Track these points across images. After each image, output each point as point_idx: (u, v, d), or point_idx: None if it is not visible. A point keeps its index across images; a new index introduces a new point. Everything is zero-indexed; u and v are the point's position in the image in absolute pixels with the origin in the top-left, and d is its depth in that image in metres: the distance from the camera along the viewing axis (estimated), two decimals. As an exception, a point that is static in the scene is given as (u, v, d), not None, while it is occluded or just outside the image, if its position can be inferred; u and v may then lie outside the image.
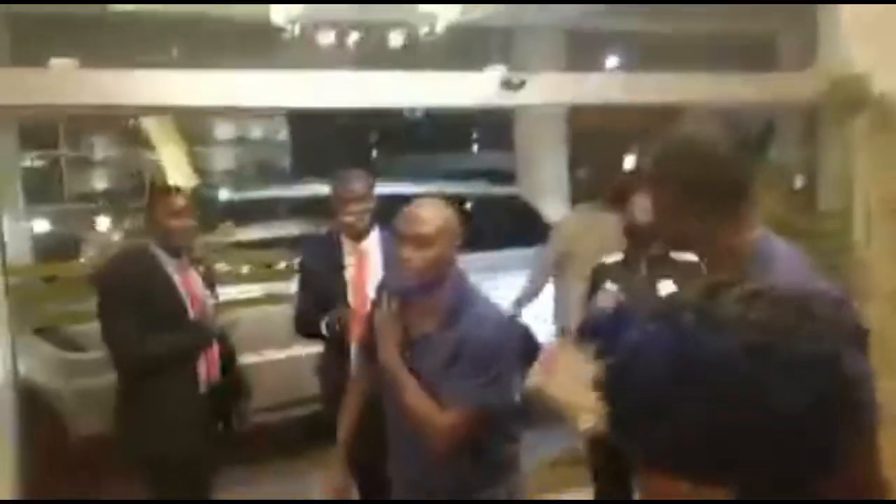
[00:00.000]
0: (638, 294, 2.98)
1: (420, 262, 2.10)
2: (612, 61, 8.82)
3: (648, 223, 2.78)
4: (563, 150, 7.35)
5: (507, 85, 3.71)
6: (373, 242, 3.32)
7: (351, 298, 3.29)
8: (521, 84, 3.68)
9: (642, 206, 2.86)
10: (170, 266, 3.12)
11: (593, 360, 2.86)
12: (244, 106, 3.53)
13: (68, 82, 3.06)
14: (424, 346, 2.14)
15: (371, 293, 2.79)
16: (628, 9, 6.66)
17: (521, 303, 4.44)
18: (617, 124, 6.63)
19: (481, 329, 2.10)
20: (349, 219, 3.29)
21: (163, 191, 3.29)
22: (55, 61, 3.08)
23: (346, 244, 3.36)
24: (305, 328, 3.41)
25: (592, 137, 7.81)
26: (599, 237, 3.65)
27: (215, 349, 3.24)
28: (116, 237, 8.12)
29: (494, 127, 9.88)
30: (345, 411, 2.38)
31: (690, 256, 2.77)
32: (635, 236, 3.06)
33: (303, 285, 3.50)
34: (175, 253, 3.14)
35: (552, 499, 3.86)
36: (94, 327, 4.10)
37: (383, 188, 3.98)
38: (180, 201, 3.12)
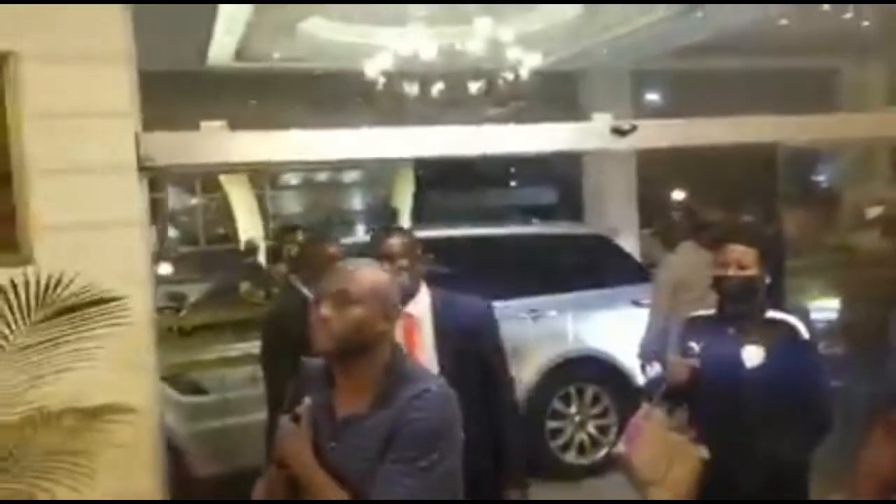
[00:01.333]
0: (718, 360, 2.72)
1: (338, 323, 1.82)
2: (674, 100, 9.02)
3: (745, 277, 2.66)
4: (633, 189, 7.50)
5: (618, 132, 3.84)
6: (422, 306, 2.85)
7: None
8: (633, 129, 3.81)
9: (740, 258, 2.70)
10: None
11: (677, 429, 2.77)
12: (370, 158, 3.67)
13: (220, 143, 3.25)
14: (353, 430, 1.83)
15: (424, 362, 2.53)
16: (691, 49, 6.85)
17: (645, 353, 4.26)
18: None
19: (422, 404, 1.80)
20: None
21: (317, 241, 3.45)
22: (205, 124, 3.28)
23: None
24: None
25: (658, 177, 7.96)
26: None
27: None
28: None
29: (534, 164, 9.82)
30: None
31: (789, 317, 2.69)
32: (724, 291, 2.76)
33: None
34: None
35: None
36: (216, 373, 4.20)
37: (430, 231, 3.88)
38: (333, 249, 3.30)
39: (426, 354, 2.70)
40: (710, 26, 6.24)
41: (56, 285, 2.32)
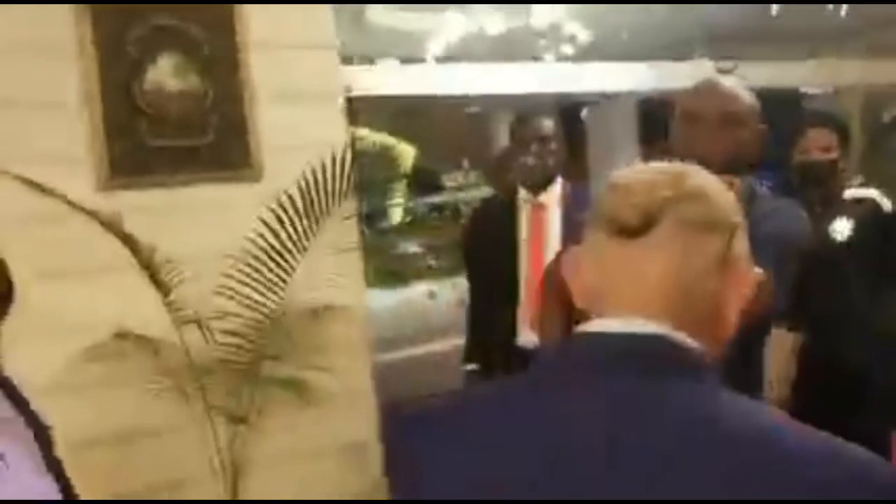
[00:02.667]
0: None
1: (731, 144, 1.79)
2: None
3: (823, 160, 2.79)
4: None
5: (722, 70, 4.16)
6: (553, 196, 2.83)
7: (523, 266, 2.80)
8: (735, 67, 4.14)
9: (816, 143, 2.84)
10: None
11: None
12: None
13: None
14: None
15: (548, 257, 2.62)
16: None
17: None
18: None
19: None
20: (531, 160, 2.78)
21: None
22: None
23: (521, 199, 2.87)
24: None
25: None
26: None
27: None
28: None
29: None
30: None
31: (871, 192, 2.83)
32: (807, 173, 2.87)
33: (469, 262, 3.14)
34: None
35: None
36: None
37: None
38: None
39: (552, 243, 2.77)
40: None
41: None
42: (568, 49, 6.23)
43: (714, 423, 0.75)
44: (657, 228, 0.82)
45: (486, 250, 2.93)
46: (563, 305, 1.71)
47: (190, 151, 2.62)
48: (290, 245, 2.58)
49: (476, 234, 3.12)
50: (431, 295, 4.96)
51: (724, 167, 1.67)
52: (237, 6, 2.68)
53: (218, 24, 2.64)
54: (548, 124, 2.83)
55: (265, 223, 2.58)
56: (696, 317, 0.82)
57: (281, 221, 2.58)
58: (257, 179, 2.71)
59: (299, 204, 2.59)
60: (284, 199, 2.59)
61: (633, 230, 0.82)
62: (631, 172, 0.87)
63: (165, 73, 2.58)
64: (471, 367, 2.97)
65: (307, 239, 2.60)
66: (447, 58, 5.61)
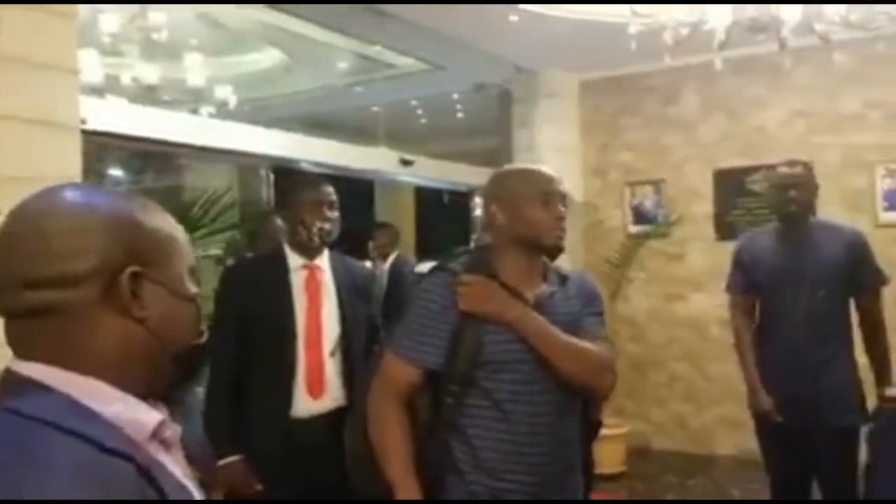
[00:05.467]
0: None
1: (565, 223, 2.04)
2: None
3: None
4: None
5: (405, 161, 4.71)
6: (325, 260, 2.87)
7: (300, 330, 2.73)
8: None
9: None
10: None
11: None
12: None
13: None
14: (550, 303, 2.01)
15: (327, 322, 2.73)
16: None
17: None
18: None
19: (587, 280, 2.21)
20: (327, 225, 2.78)
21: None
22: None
23: (293, 260, 2.83)
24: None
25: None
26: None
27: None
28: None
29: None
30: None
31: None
32: None
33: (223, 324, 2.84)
34: None
35: None
36: None
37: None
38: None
39: (328, 306, 2.79)
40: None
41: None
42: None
43: None
44: None
45: (256, 312, 2.72)
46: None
47: None
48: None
49: (240, 296, 2.80)
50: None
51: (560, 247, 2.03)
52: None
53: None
54: (332, 191, 2.84)
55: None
56: None
57: None
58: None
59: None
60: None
61: None
62: None
63: None
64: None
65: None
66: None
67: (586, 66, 6.41)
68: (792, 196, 3.24)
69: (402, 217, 9.44)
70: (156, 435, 0.90)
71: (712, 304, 6.15)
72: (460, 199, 6.72)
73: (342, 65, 6.74)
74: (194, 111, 5.82)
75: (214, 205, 4.56)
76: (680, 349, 6.37)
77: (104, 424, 0.84)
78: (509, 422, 1.94)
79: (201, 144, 4.25)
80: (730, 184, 6.16)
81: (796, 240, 3.31)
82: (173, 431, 0.94)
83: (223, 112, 6.14)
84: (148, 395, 0.92)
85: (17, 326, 0.89)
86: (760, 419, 3.36)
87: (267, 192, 5.74)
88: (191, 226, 4.04)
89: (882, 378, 3.29)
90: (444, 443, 1.99)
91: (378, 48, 6.05)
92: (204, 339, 1.03)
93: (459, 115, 8.36)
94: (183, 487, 0.92)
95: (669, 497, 5.32)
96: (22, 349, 0.89)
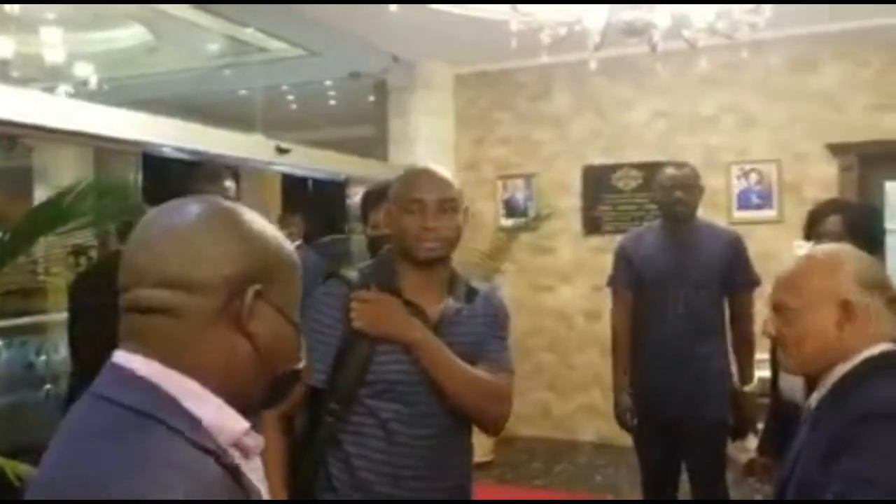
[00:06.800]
0: None
1: (449, 232, 1.90)
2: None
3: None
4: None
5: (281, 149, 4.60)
6: None
7: None
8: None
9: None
10: None
11: None
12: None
13: None
14: (454, 322, 1.93)
15: None
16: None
17: None
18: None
19: (495, 297, 2.08)
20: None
21: None
22: None
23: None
24: None
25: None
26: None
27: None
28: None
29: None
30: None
31: None
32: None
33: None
34: None
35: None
36: None
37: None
38: None
39: None
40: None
41: None
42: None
43: None
44: None
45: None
46: None
47: None
48: None
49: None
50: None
51: (448, 251, 1.93)
52: None
53: None
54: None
55: None
56: None
57: None
58: None
59: None
60: None
61: None
62: None
63: None
64: None
65: None
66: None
67: (462, 59, 6.48)
68: (678, 197, 3.38)
69: (268, 206, 9.23)
70: (238, 442, 0.94)
71: (578, 294, 6.38)
72: (328, 188, 6.64)
73: (212, 46, 6.53)
74: (51, 90, 5.47)
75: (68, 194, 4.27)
76: (546, 339, 6.55)
77: (200, 425, 0.89)
78: (391, 442, 1.88)
79: (55, 126, 3.99)
80: (596, 180, 6.39)
81: (681, 239, 3.45)
82: (256, 441, 0.98)
83: (83, 92, 5.81)
84: (239, 412, 0.96)
85: (134, 320, 0.92)
86: (636, 409, 3.47)
87: (135, 180, 5.48)
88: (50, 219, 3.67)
89: (744, 376, 3.48)
90: (321, 459, 1.92)
91: (250, 30, 5.89)
92: (301, 365, 1.05)
93: (332, 102, 8.26)
94: (259, 493, 0.98)
95: (537, 483, 5.48)
96: (131, 342, 0.92)
